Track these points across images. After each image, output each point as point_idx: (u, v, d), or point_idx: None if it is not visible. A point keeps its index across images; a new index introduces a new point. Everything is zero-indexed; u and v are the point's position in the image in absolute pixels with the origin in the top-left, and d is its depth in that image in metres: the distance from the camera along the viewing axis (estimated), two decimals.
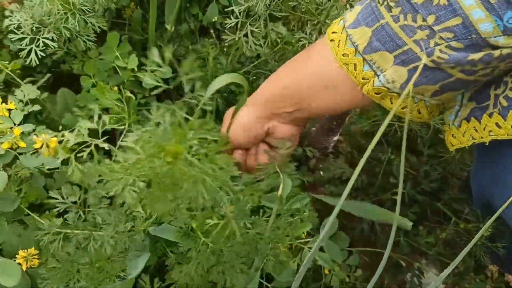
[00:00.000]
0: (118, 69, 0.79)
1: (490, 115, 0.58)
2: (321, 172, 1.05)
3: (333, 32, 0.64)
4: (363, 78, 0.61)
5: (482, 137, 0.59)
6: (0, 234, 0.50)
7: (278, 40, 0.79)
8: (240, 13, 0.73)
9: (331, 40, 0.63)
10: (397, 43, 0.56)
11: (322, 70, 0.66)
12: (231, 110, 0.79)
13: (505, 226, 0.80)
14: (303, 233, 0.66)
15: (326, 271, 0.76)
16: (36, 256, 0.55)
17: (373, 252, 0.93)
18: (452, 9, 0.51)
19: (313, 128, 0.97)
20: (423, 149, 0.97)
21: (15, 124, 0.59)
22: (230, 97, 0.88)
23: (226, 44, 0.88)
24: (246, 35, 0.75)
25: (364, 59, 0.60)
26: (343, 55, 0.62)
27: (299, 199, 0.68)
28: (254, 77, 0.87)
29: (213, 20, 0.87)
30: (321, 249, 0.67)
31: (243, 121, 0.74)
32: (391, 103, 0.62)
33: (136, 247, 0.62)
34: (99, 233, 0.57)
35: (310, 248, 0.66)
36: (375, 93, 0.61)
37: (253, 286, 0.63)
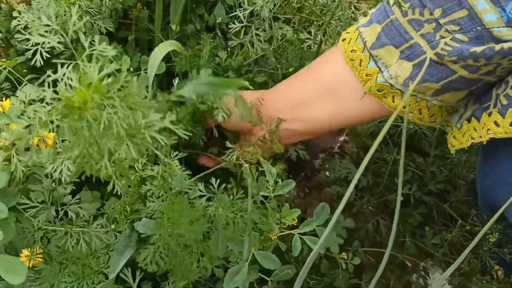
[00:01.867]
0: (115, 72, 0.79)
1: (490, 114, 0.58)
2: (327, 172, 1.05)
3: (346, 33, 0.65)
4: (366, 75, 0.62)
5: (480, 137, 0.59)
6: (7, 233, 0.50)
7: (280, 39, 0.79)
8: (244, 17, 0.73)
9: (343, 40, 0.65)
10: (404, 38, 0.57)
11: (328, 72, 0.67)
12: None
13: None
14: (293, 220, 0.66)
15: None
16: (40, 255, 0.56)
17: (379, 252, 0.93)
18: (458, 1, 0.52)
19: None
20: (430, 150, 0.97)
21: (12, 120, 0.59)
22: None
23: (230, 46, 0.88)
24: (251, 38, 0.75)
25: (370, 55, 0.61)
26: (351, 51, 0.63)
27: (286, 185, 0.68)
28: (256, 75, 0.86)
29: (218, 21, 0.87)
30: (315, 234, 0.66)
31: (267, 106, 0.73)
32: (393, 101, 0.62)
33: (120, 242, 0.62)
34: (77, 230, 0.57)
35: (300, 234, 0.66)
36: (377, 91, 0.62)
37: (241, 277, 0.62)
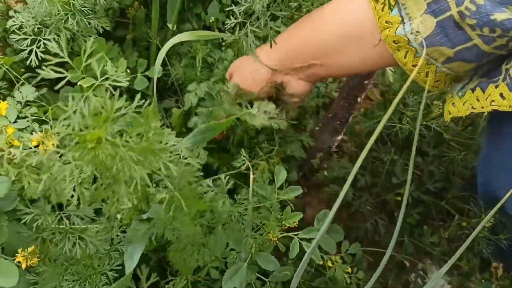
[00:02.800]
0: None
1: (497, 86, 0.57)
2: (325, 172, 1.05)
3: None
4: (386, 22, 0.60)
5: (482, 107, 0.58)
6: (1, 234, 0.50)
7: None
8: (240, 13, 0.72)
9: None
10: None
11: (348, 16, 0.64)
12: (239, 61, 0.78)
13: (507, 219, 0.80)
14: (294, 222, 0.66)
15: (330, 264, 0.76)
16: (36, 255, 0.55)
17: (378, 252, 0.93)
18: None
19: (317, 128, 0.96)
20: (429, 149, 0.96)
21: (10, 122, 0.59)
22: None
23: (224, 44, 0.88)
24: (246, 35, 0.75)
25: (396, 1, 0.58)
26: None
27: (292, 190, 0.68)
28: None
29: (212, 19, 0.87)
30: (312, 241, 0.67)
31: (257, 76, 0.74)
32: (405, 57, 0.61)
33: (128, 235, 0.62)
34: (75, 233, 0.57)
35: (301, 239, 0.66)
36: (393, 42, 0.60)
37: (240, 276, 0.62)
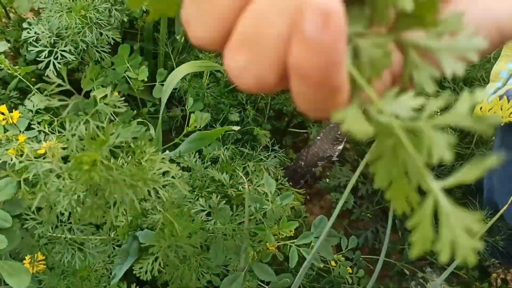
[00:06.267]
0: (129, 80, 0.81)
1: None
2: (327, 180, 1.07)
3: None
4: None
5: (502, 117, 0.59)
6: (12, 240, 0.51)
7: None
8: None
9: None
10: None
11: None
12: None
13: (504, 223, 0.81)
14: (290, 231, 0.67)
15: (333, 264, 0.77)
16: (43, 262, 0.57)
17: (378, 260, 0.94)
18: None
19: (318, 137, 0.98)
20: None
21: (20, 131, 0.60)
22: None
23: None
24: None
25: None
26: None
27: (285, 197, 0.69)
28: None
29: None
30: (309, 246, 0.68)
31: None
32: None
33: (121, 252, 0.63)
34: (75, 244, 0.58)
35: (299, 245, 0.67)
36: None
37: (236, 286, 0.63)
